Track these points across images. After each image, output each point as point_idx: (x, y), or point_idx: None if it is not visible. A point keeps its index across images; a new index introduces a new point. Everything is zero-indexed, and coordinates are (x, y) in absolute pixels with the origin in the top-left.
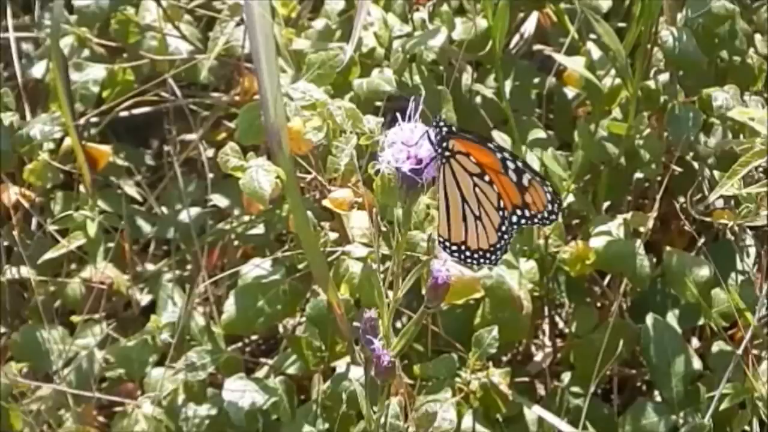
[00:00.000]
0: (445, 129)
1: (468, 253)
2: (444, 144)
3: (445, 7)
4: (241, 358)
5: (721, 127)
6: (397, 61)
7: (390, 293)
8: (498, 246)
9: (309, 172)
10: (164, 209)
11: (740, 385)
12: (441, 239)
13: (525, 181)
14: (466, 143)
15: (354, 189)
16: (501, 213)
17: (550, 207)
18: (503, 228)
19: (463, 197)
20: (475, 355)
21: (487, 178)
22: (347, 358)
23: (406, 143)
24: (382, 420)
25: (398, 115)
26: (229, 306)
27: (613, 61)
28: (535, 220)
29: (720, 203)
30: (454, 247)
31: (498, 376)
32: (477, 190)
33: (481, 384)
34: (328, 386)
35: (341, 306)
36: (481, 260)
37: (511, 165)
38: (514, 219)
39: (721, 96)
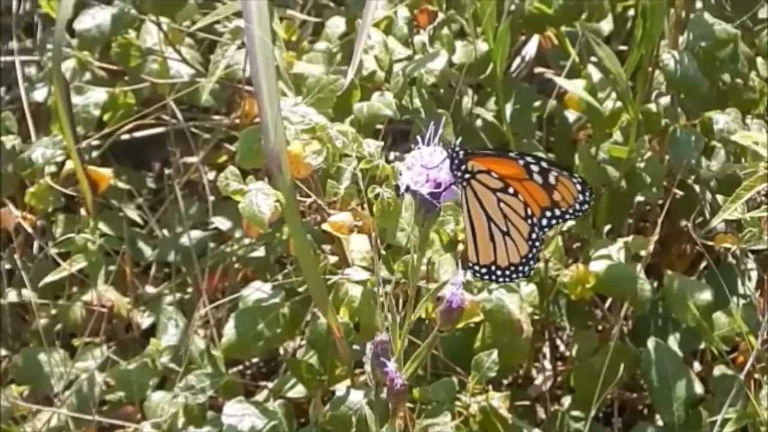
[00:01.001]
0: (461, 152)
1: (499, 273)
2: (463, 167)
3: (445, 31)
4: (241, 381)
5: (723, 150)
6: (397, 85)
7: (389, 315)
8: (530, 255)
9: (309, 196)
10: (165, 232)
11: (742, 410)
12: (470, 264)
13: (552, 180)
14: (485, 159)
15: (354, 212)
16: (529, 221)
17: (581, 197)
18: (533, 236)
19: (488, 216)
20: (475, 379)
21: (511, 190)
22: (347, 382)
23: (426, 166)
24: None
25: (418, 138)
26: (229, 329)
27: (614, 85)
28: (567, 216)
29: (722, 227)
30: (484, 270)
31: (498, 400)
32: (502, 205)
33: (480, 408)
34: (328, 410)
35: (340, 330)
36: (514, 275)
37: (535, 168)
38: (544, 222)
39: (722, 119)
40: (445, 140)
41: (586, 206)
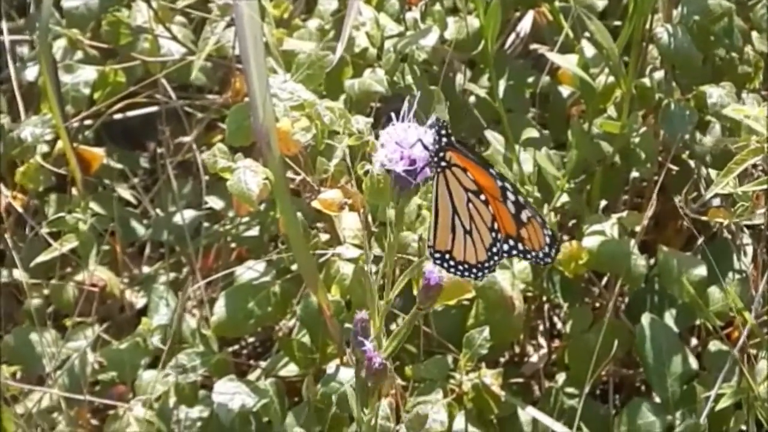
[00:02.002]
0: (444, 140)
1: (452, 263)
2: (441, 154)
3: (437, 7)
4: (232, 360)
5: (718, 125)
6: (389, 61)
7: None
8: (486, 264)
9: (299, 173)
10: (159, 211)
11: (736, 385)
12: (428, 244)
13: (524, 217)
14: (465, 160)
15: (344, 190)
16: (494, 234)
17: (546, 249)
18: (494, 249)
19: (454, 208)
20: (467, 356)
21: (483, 197)
22: (338, 360)
23: (400, 144)
24: (373, 422)
25: (392, 114)
26: (219, 308)
27: (607, 60)
28: (528, 257)
29: (717, 202)
30: (438, 255)
31: (490, 377)
32: (471, 205)
33: (473, 385)
34: (319, 388)
35: (330, 308)
36: (465, 273)
37: (511, 197)
38: (506, 247)
39: (715, 93)
40: (437, 118)
41: (549, 260)
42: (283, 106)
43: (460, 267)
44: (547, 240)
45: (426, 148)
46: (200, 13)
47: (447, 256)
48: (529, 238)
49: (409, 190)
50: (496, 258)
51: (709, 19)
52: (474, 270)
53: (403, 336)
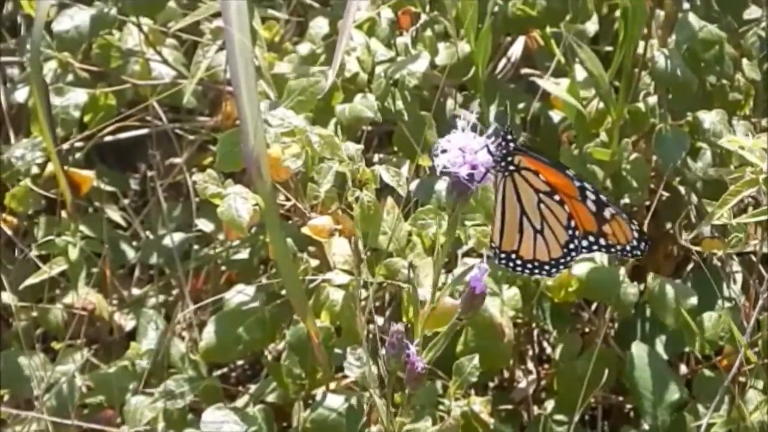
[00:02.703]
0: (512, 144)
1: (519, 262)
2: (509, 158)
3: (428, 32)
4: (220, 385)
5: (709, 151)
6: (380, 87)
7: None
8: (561, 261)
9: (290, 199)
10: (149, 234)
11: (727, 414)
12: (492, 245)
13: (607, 214)
14: (536, 162)
15: (334, 216)
16: (570, 232)
17: (635, 243)
18: (570, 246)
19: (523, 210)
20: (456, 384)
21: (557, 197)
22: (327, 386)
23: (463, 149)
24: None
25: (457, 120)
26: (208, 333)
27: (597, 87)
28: (612, 250)
29: (708, 230)
30: (503, 255)
31: (479, 405)
32: (542, 206)
33: (462, 412)
34: (309, 414)
35: (319, 335)
36: (536, 270)
37: (591, 196)
38: (585, 243)
39: (708, 119)
40: (500, 126)
41: (638, 252)
42: (273, 132)
43: (529, 265)
44: (635, 234)
45: (491, 153)
46: (191, 37)
47: (513, 255)
48: (614, 234)
49: (466, 196)
50: (573, 254)
51: (700, 47)
52: (547, 267)
53: (440, 345)
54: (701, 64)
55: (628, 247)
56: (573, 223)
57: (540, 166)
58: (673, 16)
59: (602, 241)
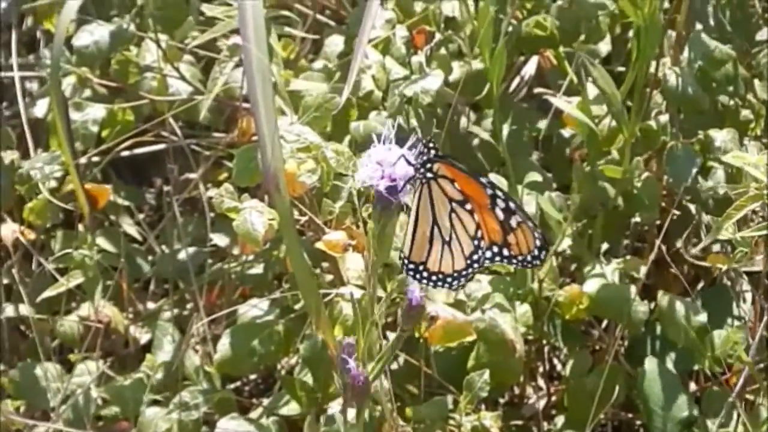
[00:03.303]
0: (432, 152)
1: (425, 274)
2: (428, 165)
3: (443, 51)
4: (234, 398)
5: (720, 170)
6: (393, 105)
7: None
8: (463, 273)
9: (305, 214)
10: (164, 248)
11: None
12: (401, 255)
13: (513, 223)
14: (454, 171)
15: (348, 231)
16: (476, 242)
17: (536, 252)
18: (474, 257)
19: (434, 220)
20: (467, 399)
21: (468, 206)
22: (341, 400)
23: (381, 163)
24: None
25: (374, 135)
26: (223, 345)
27: (609, 106)
28: (513, 261)
29: (718, 247)
30: (412, 266)
31: (489, 419)
32: (453, 215)
33: (472, 427)
34: (322, 427)
35: (337, 347)
36: (439, 283)
37: (501, 204)
38: (489, 254)
39: (720, 137)
40: (420, 136)
41: (537, 262)
42: (289, 147)
43: (434, 278)
44: (537, 243)
45: (409, 163)
46: (209, 53)
47: (421, 267)
48: (517, 243)
49: (390, 211)
50: (476, 265)
51: (712, 66)
52: (449, 279)
53: (386, 359)
54: (713, 83)
55: (529, 257)
56: (479, 234)
57: (456, 174)
58: (684, 35)
59: (505, 252)
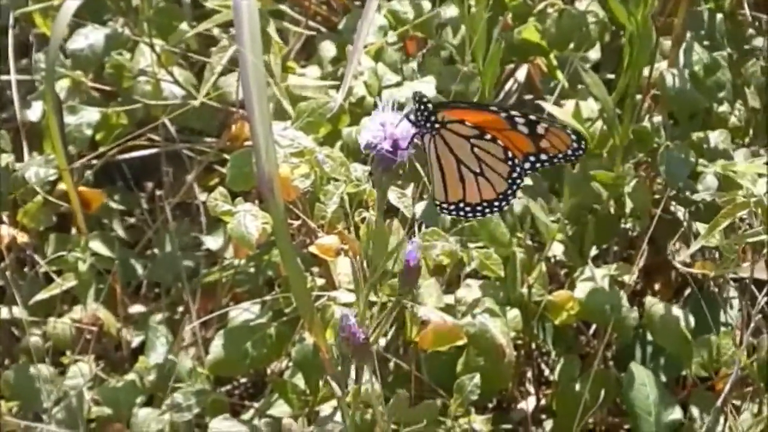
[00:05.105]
0: (430, 105)
1: (468, 209)
2: (432, 117)
3: (435, 57)
4: (227, 400)
5: (710, 175)
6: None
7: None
8: (509, 192)
9: (298, 218)
10: (156, 251)
11: None
12: (437, 203)
13: (540, 130)
14: (458, 111)
15: (341, 236)
16: (510, 163)
17: (575, 145)
18: (514, 175)
19: (459, 160)
20: (457, 402)
21: (488, 136)
22: (332, 402)
23: (383, 123)
24: None
25: (377, 100)
26: (215, 348)
27: (601, 112)
28: (555, 160)
29: (705, 254)
30: (452, 207)
31: (479, 423)
32: (476, 150)
33: (462, 430)
34: (313, 429)
35: (329, 350)
36: (487, 210)
37: (520, 120)
38: (527, 165)
39: (713, 137)
40: (415, 94)
41: (580, 152)
42: (283, 152)
43: (479, 208)
44: (573, 137)
45: (411, 120)
46: (202, 58)
47: (461, 204)
48: (552, 146)
49: (391, 171)
50: (519, 181)
51: (702, 72)
52: (495, 203)
53: (384, 324)
54: (703, 90)
55: (569, 152)
56: (510, 154)
57: (463, 113)
58: (677, 43)
59: (543, 156)
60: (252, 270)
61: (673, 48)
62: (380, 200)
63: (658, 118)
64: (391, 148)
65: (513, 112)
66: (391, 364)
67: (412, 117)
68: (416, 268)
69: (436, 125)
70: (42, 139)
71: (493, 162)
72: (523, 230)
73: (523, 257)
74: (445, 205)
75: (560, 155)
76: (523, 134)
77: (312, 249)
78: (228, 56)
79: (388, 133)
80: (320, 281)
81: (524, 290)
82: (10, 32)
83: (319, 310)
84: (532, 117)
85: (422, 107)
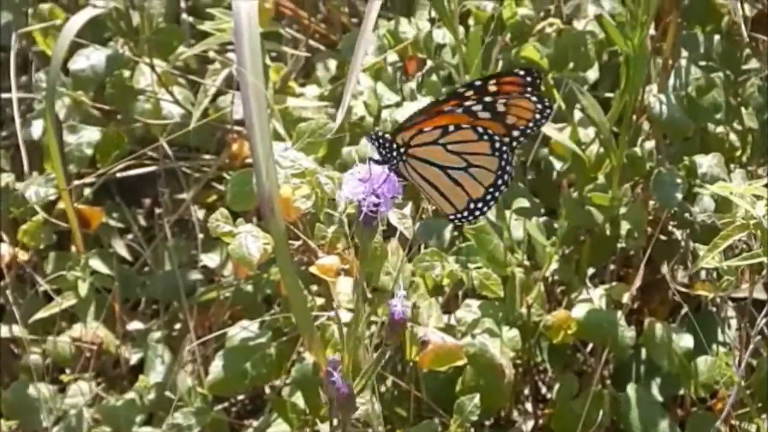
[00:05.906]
0: (387, 135)
1: (480, 204)
2: (393, 146)
3: (434, 77)
4: (227, 419)
5: (706, 196)
6: (385, 130)
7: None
8: (503, 165)
9: (298, 238)
10: (155, 269)
11: None
12: (451, 217)
13: (501, 108)
14: (415, 125)
15: (341, 256)
16: (486, 137)
17: (539, 106)
18: (496, 146)
19: (441, 167)
20: (457, 423)
21: (451, 128)
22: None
23: (362, 179)
24: None
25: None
26: (215, 367)
27: (597, 133)
28: (528, 131)
29: (704, 274)
30: (466, 213)
31: None
32: (450, 146)
33: None
34: None
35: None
36: (496, 193)
37: (477, 107)
38: (504, 148)
39: (705, 162)
40: (369, 134)
41: (548, 111)
42: (284, 173)
43: (488, 197)
44: (533, 99)
45: (379, 161)
46: (201, 81)
47: (471, 205)
48: (519, 117)
49: (372, 227)
50: (505, 156)
51: (697, 93)
52: (499, 183)
53: (371, 374)
54: (700, 110)
55: (537, 116)
56: (480, 129)
57: (420, 124)
58: (671, 63)
59: (515, 133)
60: (250, 288)
61: (663, 72)
62: (364, 253)
63: (650, 143)
64: (376, 199)
65: (466, 103)
66: (390, 383)
67: (377, 157)
68: (401, 322)
69: (401, 150)
70: (42, 157)
71: (471, 147)
72: (521, 250)
73: (522, 277)
74: (459, 216)
75: (530, 124)
76: (487, 119)
77: (312, 269)
78: (222, 78)
79: (367, 189)
80: (320, 300)
81: (523, 310)
82: (12, 52)
83: (319, 329)
84: (487, 99)
85: (380, 142)
